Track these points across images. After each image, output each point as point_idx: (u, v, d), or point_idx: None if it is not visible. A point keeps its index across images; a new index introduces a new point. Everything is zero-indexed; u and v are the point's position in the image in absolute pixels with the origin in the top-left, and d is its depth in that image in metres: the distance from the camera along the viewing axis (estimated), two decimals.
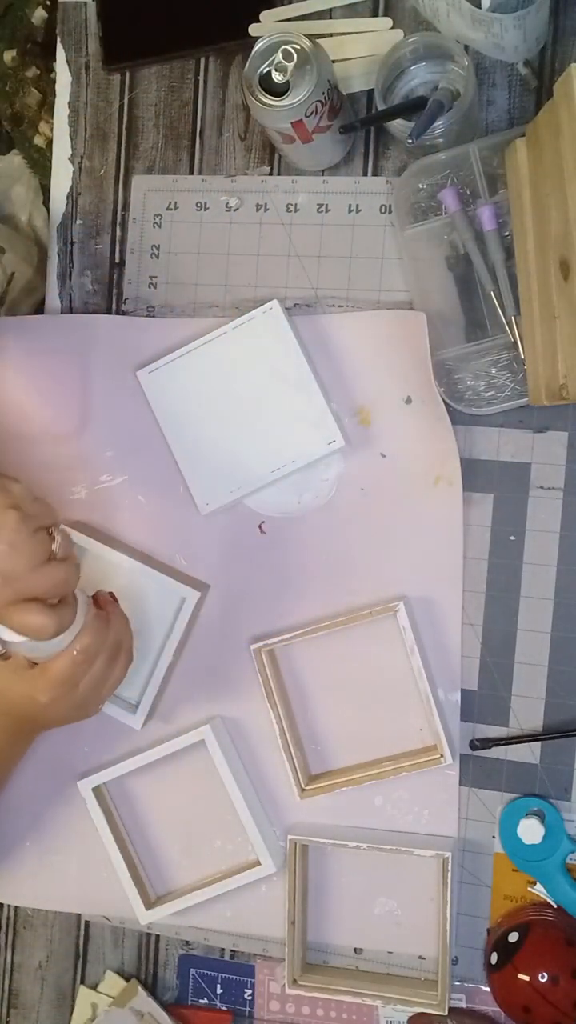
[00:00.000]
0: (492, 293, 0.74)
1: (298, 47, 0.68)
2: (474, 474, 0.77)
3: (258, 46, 0.69)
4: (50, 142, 0.87)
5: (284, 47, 0.68)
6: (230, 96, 0.82)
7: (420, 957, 0.80)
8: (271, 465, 0.77)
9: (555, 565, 0.76)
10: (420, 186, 0.75)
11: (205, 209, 0.82)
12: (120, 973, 0.88)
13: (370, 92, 0.78)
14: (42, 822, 0.86)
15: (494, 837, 0.78)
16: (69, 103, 0.85)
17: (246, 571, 0.81)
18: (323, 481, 0.80)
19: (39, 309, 0.88)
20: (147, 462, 0.82)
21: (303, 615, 0.80)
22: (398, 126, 0.72)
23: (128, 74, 0.84)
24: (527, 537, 0.76)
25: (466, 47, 0.74)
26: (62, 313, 0.86)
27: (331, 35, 0.78)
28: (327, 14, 0.79)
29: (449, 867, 0.75)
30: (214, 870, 0.83)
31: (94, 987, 0.88)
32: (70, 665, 0.67)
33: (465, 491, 0.76)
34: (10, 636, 0.64)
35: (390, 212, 0.78)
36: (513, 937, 0.74)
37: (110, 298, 0.85)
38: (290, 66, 0.68)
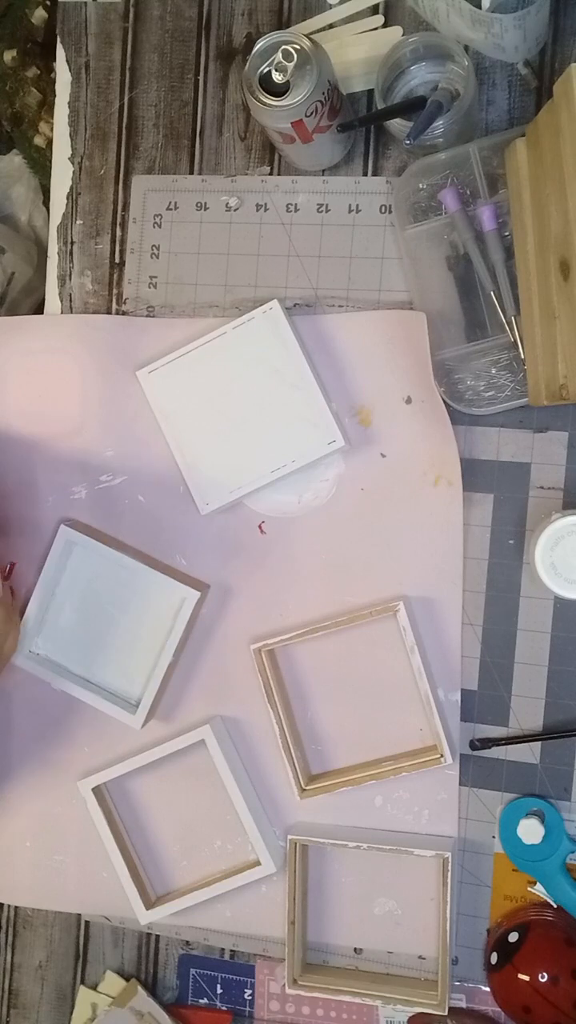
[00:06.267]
0: (492, 293, 0.74)
1: (298, 47, 0.68)
2: (474, 474, 0.77)
3: (258, 46, 0.69)
4: (50, 142, 0.87)
5: (284, 47, 0.68)
6: (230, 96, 0.82)
7: (420, 957, 0.80)
8: (271, 465, 0.77)
9: None
10: (420, 186, 0.75)
11: (205, 209, 0.82)
12: (120, 973, 0.88)
13: (370, 92, 0.78)
14: (42, 822, 0.86)
15: (494, 837, 0.78)
16: (69, 103, 0.85)
17: (246, 571, 0.81)
18: (323, 481, 0.80)
19: (39, 309, 0.88)
20: (147, 462, 0.82)
21: (303, 615, 0.80)
22: (398, 126, 0.72)
23: (128, 74, 0.84)
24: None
25: (466, 47, 0.74)
26: (62, 313, 0.86)
27: (329, 27, 0.78)
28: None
29: (449, 867, 0.75)
30: (214, 870, 0.83)
31: (94, 987, 0.88)
32: None
33: (465, 491, 0.77)
34: None
35: (390, 212, 0.78)
36: (513, 937, 0.74)
37: (110, 298, 0.85)
38: (290, 66, 0.68)
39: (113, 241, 0.85)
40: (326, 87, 0.69)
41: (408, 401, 0.77)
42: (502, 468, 0.77)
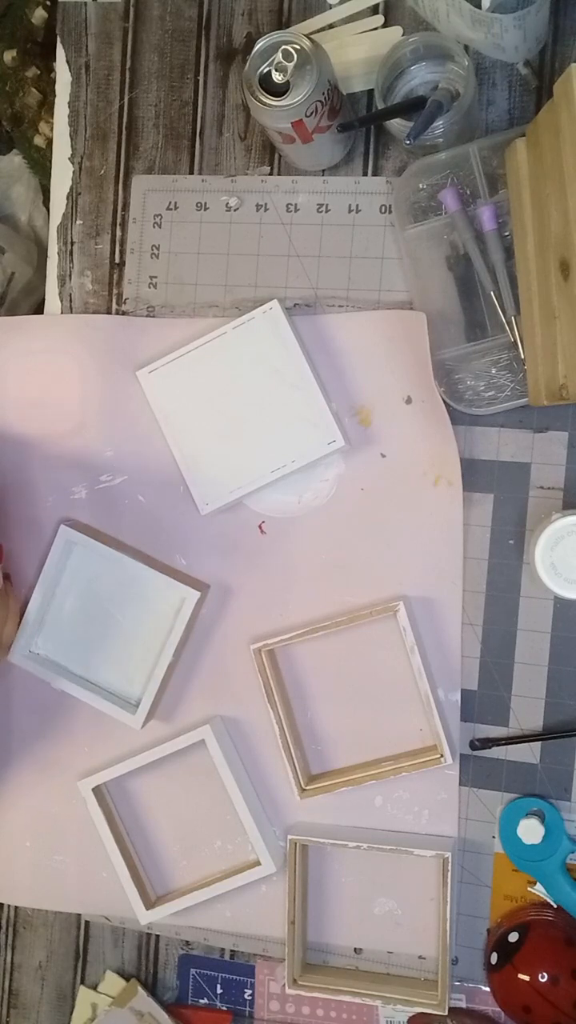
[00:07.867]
0: (492, 293, 0.74)
1: (298, 47, 0.68)
2: (474, 474, 0.77)
3: (258, 46, 0.69)
4: (50, 142, 0.87)
5: (284, 47, 0.68)
6: (230, 96, 0.82)
7: (420, 957, 0.80)
8: (271, 465, 0.77)
9: None
10: (420, 186, 0.75)
11: (205, 209, 0.82)
12: (120, 973, 0.88)
13: (370, 92, 0.78)
14: (42, 822, 0.86)
15: (494, 837, 0.78)
16: (69, 103, 0.85)
17: (246, 571, 0.81)
18: (323, 481, 0.80)
19: (39, 309, 0.88)
20: (147, 462, 0.82)
21: (303, 615, 0.80)
22: (398, 126, 0.72)
23: (128, 74, 0.84)
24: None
25: (466, 47, 0.74)
26: (62, 313, 0.86)
27: (329, 27, 0.78)
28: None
29: (449, 867, 0.75)
30: (214, 870, 0.83)
31: (94, 987, 0.88)
32: None
33: (465, 491, 0.77)
34: None
35: (390, 212, 0.78)
36: (513, 937, 0.74)
37: (110, 298, 0.85)
38: (290, 66, 0.68)
39: (113, 241, 0.85)
40: (326, 87, 0.69)
41: (408, 401, 0.77)
42: (502, 468, 0.77)
